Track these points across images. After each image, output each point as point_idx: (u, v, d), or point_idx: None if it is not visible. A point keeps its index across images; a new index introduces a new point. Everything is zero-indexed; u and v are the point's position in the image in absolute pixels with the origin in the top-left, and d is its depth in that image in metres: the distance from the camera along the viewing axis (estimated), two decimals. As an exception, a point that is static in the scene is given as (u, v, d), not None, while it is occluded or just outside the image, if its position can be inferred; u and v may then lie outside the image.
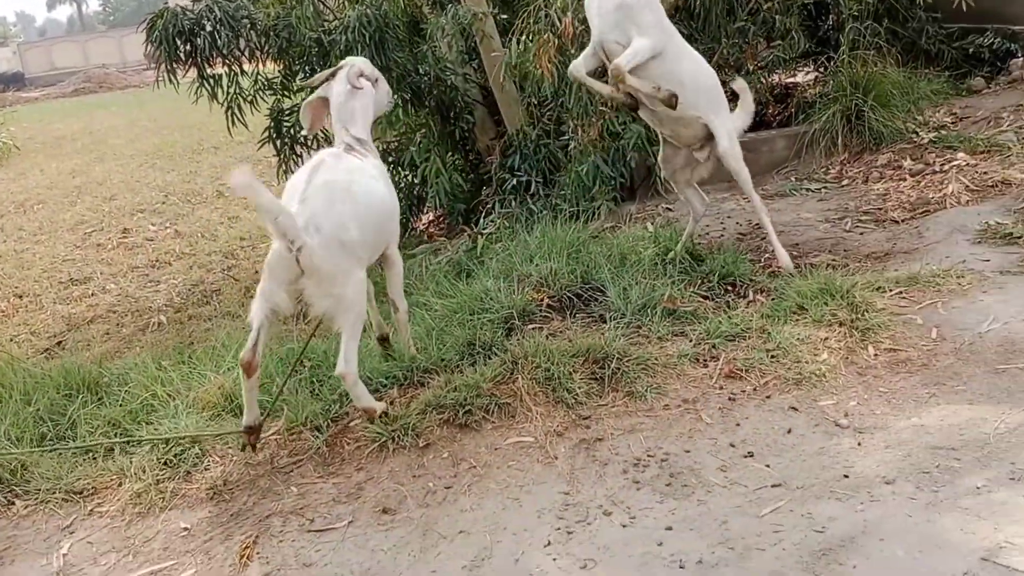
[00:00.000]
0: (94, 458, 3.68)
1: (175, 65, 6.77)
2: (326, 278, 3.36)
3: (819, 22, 7.97)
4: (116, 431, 3.82)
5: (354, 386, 3.54)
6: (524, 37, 6.21)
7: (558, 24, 5.94)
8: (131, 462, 3.56)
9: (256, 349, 3.41)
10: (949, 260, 4.58)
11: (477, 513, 3.14)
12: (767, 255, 5.05)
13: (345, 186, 3.53)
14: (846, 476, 3.06)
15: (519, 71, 6.52)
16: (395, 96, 7.14)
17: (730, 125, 4.74)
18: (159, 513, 3.33)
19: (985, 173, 5.64)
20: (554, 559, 2.85)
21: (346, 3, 7.63)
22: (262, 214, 3.21)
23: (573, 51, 6.02)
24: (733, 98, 5.02)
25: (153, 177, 13.54)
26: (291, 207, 3.33)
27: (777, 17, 7.01)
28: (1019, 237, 4.71)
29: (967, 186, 5.52)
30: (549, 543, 2.93)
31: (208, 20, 6.69)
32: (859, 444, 3.25)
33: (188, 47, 6.74)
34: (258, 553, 3.06)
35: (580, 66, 4.59)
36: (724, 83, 4.91)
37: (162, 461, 3.53)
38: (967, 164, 5.84)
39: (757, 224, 5.72)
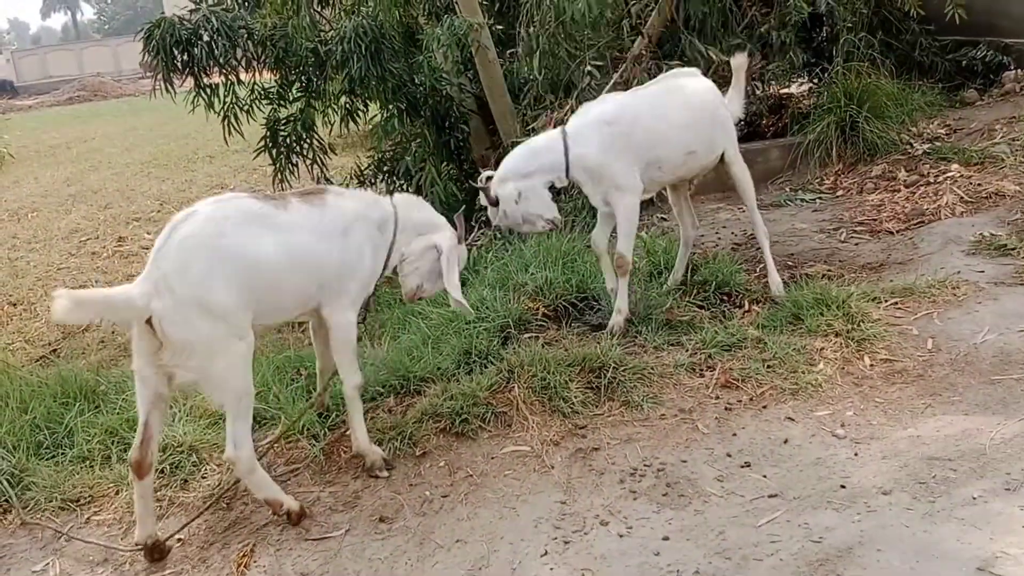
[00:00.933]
0: (91, 466, 3.67)
1: (172, 74, 6.79)
2: (182, 348, 2.91)
3: (813, 34, 8.03)
4: (114, 439, 3.80)
5: (250, 474, 3.11)
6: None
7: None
8: (129, 470, 3.54)
9: (146, 446, 3.01)
10: (944, 271, 4.61)
11: (474, 522, 3.14)
12: (762, 265, 5.07)
13: (208, 241, 2.98)
14: (843, 486, 3.07)
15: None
16: (391, 106, 7.20)
17: (736, 146, 4.62)
18: (156, 522, 3.31)
19: (979, 185, 5.68)
20: (551, 568, 2.85)
21: (342, 14, 7.66)
22: (88, 311, 2.81)
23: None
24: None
25: (148, 186, 13.50)
26: (148, 264, 2.96)
27: (774, 33, 7.05)
28: (1013, 249, 4.75)
29: (961, 197, 5.56)
30: (546, 552, 2.93)
31: (205, 30, 6.72)
32: (856, 454, 3.26)
33: (185, 57, 6.77)
34: (255, 562, 3.05)
35: (600, 239, 4.47)
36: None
37: (159, 469, 3.52)
38: (961, 176, 5.88)
39: (752, 235, 5.75)
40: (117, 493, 3.48)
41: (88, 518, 3.41)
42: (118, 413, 3.93)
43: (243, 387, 3.05)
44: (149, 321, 2.88)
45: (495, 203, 4.18)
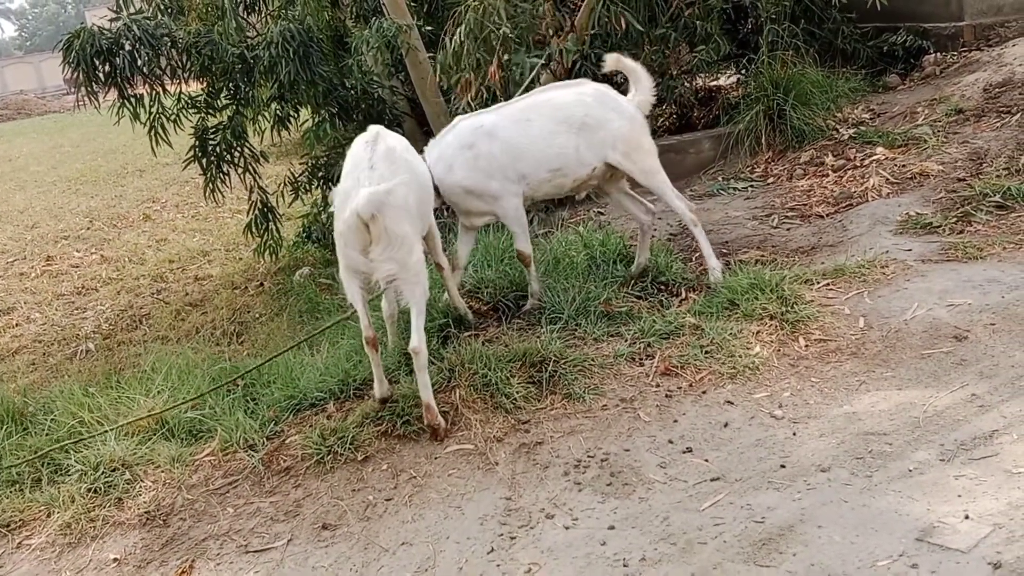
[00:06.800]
0: (21, 490, 3.55)
1: (95, 87, 6.62)
2: (392, 240, 3.47)
3: (738, 25, 8.13)
4: (44, 461, 3.69)
5: (423, 369, 3.56)
6: (455, 38, 6.17)
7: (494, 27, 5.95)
8: (59, 491, 3.45)
9: (371, 325, 3.70)
10: (873, 251, 4.69)
11: (419, 524, 3.11)
12: (698, 254, 5.11)
13: (404, 155, 3.76)
14: (783, 466, 3.11)
15: (447, 78, 6.50)
16: (322, 111, 7.11)
17: (635, 149, 4.53)
18: (90, 542, 3.23)
19: (904, 166, 5.80)
20: (498, 565, 2.83)
21: (268, 19, 7.56)
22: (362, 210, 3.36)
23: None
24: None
25: (77, 203, 13.18)
26: (359, 174, 3.55)
27: (698, 23, 7.13)
28: (938, 226, 4.86)
29: (887, 179, 5.68)
30: (492, 550, 2.91)
31: (127, 39, 6.55)
32: (794, 434, 3.30)
33: (107, 67, 6.60)
34: (195, 577, 2.98)
35: (463, 250, 4.66)
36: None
37: (91, 489, 3.42)
38: (886, 158, 6.00)
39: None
40: (49, 516, 3.37)
41: (19, 543, 3.30)
42: (47, 435, 3.81)
43: (426, 284, 3.66)
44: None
45: None
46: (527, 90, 5.51)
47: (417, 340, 3.54)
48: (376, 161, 3.58)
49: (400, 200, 3.52)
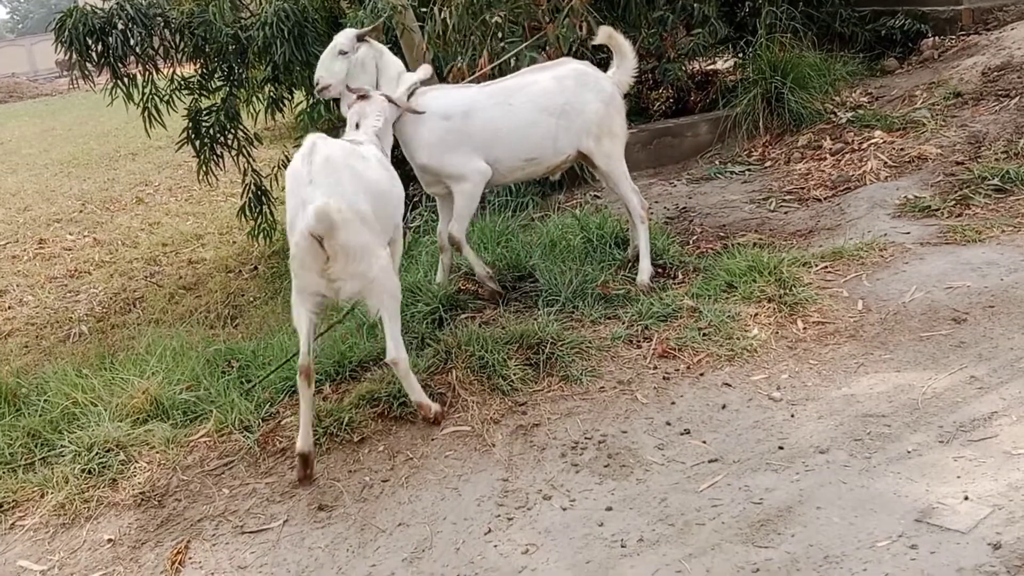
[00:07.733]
0: (13, 470, 3.52)
1: (88, 67, 6.56)
2: (352, 254, 3.20)
3: (736, 8, 8.09)
4: (37, 442, 3.66)
5: (406, 376, 3.47)
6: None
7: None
8: (53, 472, 3.42)
9: (309, 353, 3.32)
10: (871, 234, 4.68)
11: (416, 505, 3.10)
12: (695, 237, 5.10)
13: (344, 162, 3.37)
14: (781, 448, 3.10)
15: (433, 48, 6.42)
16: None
17: (606, 137, 4.43)
18: (84, 523, 3.20)
19: (902, 149, 5.78)
20: (495, 546, 2.82)
21: (263, -1, 7.49)
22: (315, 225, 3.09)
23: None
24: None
25: (69, 186, 13.11)
26: (301, 193, 3.23)
27: (695, 5, 7.09)
28: (936, 209, 4.85)
29: (885, 162, 5.66)
30: (490, 530, 2.90)
31: (120, 18, 6.50)
32: (792, 416, 3.28)
33: (100, 47, 6.54)
34: (190, 558, 2.96)
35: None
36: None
37: (85, 470, 3.39)
38: (884, 141, 5.98)
39: (684, 208, 5.79)
40: (42, 497, 3.34)
41: (12, 524, 3.27)
42: (41, 415, 3.78)
43: (395, 289, 3.43)
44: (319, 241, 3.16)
45: None
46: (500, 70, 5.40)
47: (393, 349, 3.36)
48: (315, 175, 3.25)
49: (348, 208, 3.20)
